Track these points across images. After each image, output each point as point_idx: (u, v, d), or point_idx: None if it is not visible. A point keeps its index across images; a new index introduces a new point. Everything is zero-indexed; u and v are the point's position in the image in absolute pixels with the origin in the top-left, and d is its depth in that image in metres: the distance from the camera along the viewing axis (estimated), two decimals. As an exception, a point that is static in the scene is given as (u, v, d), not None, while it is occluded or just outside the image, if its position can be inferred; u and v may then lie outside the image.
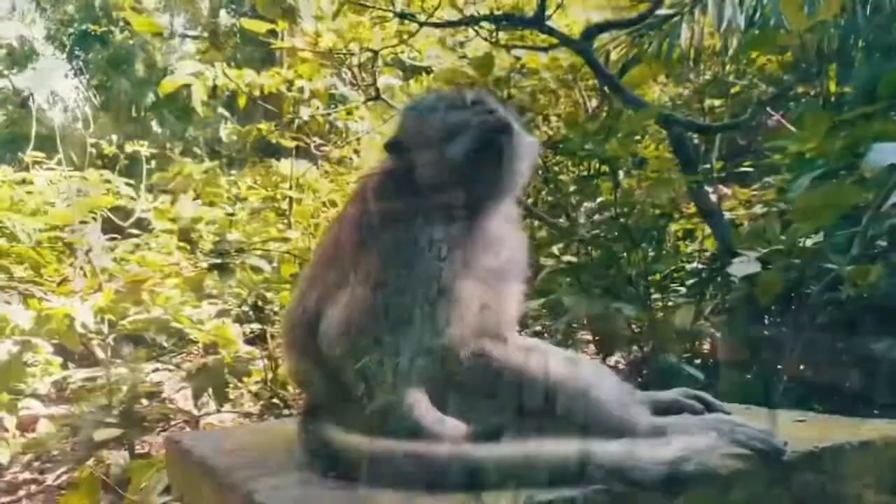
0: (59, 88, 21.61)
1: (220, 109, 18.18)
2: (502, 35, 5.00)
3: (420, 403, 1.71)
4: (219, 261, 4.16)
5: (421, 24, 4.45)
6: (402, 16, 4.40)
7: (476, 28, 4.84)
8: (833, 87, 6.71)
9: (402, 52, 5.60)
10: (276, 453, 1.83)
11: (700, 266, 4.84)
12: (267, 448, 1.90)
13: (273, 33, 6.09)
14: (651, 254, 4.25)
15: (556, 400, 1.64)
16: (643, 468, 1.40)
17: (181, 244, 5.17)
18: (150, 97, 17.95)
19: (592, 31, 4.27)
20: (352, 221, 1.93)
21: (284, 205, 7.70)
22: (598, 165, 3.84)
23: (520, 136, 1.87)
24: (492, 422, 1.73)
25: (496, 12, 4.74)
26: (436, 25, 4.59)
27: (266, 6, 4.24)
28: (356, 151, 9.62)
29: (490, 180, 1.85)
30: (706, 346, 4.95)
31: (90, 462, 3.91)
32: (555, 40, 4.58)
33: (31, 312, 5.18)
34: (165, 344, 4.86)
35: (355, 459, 1.56)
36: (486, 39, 4.89)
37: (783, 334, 4.13)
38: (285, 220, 7.40)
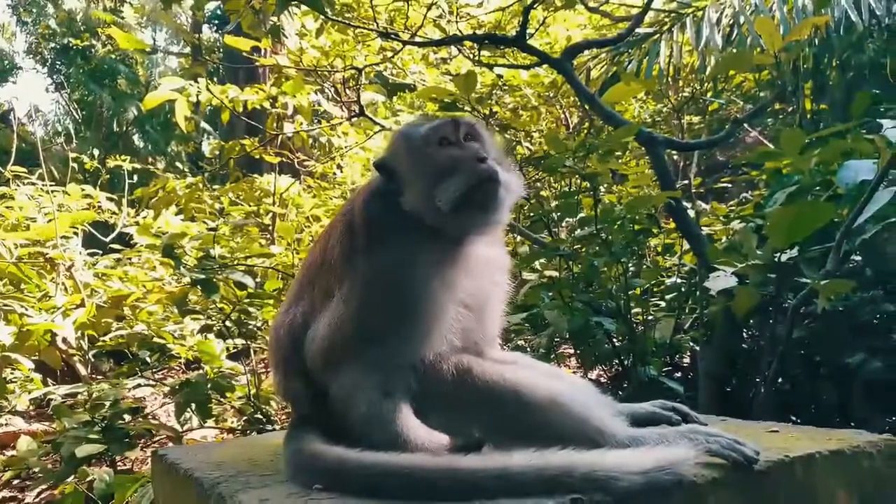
0: (39, 102, 21.49)
1: (203, 124, 18.16)
2: (484, 52, 5.08)
3: (404, 416, 1.74)
4: (203, 276, 4.15)
5: (405, 44, 4.51)
6: (385, 35, 4.46)
7: (458, 47, 4.91)
8: (809, 105, 6.86)
9: (386, 69, 5.66)
10: (262, 466, 1.85)
11: (679, 280, 4.91)
12: (253, 461, 1.92)
13: (256, 50, 6.12)
14: (631, 269, 4.31)
15: (535, 412, 1.68)
16: (621, 478, 1.44)
17: (164, 260, 5.16)
18: (133, 112, 17.89)
19: (573, 49, 4.34)
20: (338, 238, 1.97)
21: (267, 220, 7.72)
22: (579, 182, 3.89)
23: (507, 184, 1.89)
24: (473, 434, 1.78)
25: (478, 32, 4.82)
26: (419, 45, 4.65)
27: (252, 25, 4.27)
28: (339, 167, 9.66)
29: (474, 224, 1.89)
30: (686, 360, 5.02)
31: (72, 479, 3.88)
32: (536, 58, 4.65)
33: (11, 328, 5.15)
34: (148, 360, 4.84)
35: (341, 471, 1.59)
36: (468, 58, 4.96)
37: (761, 348, 4.20)
38: (268, 236, 7.41)
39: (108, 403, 4.08)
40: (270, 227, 7.31)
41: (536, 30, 4.42)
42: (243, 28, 4.31)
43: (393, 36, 4.48)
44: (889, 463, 1.74)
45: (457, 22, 4.96)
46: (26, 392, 5.19)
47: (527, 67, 4.82)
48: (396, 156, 1.96)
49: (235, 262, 4.60)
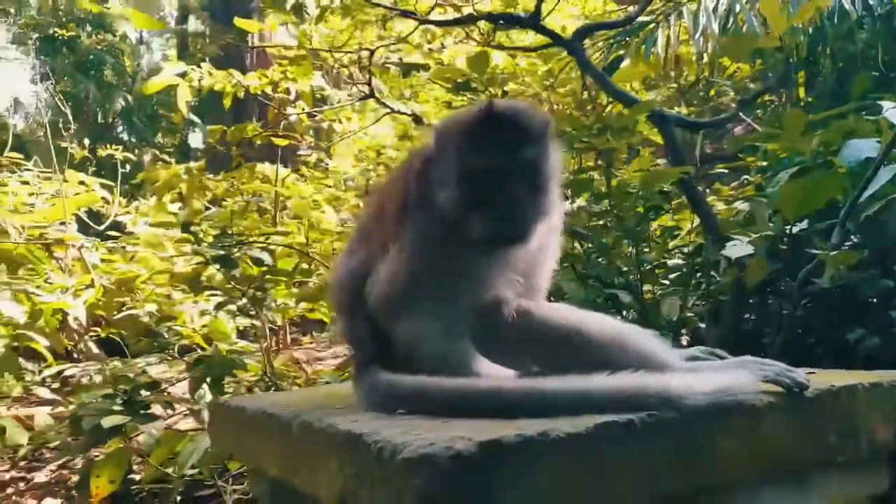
0: (22, 93, 21.27)
1: (191, 115, 18.08)
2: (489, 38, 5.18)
3: (471, 354, 1.85)
4: (222, 252, 4.22)
5: (420, 22, 4.60)
6: (403, 14, 4.55)
7: (466, 28, 5.01)
8: (802, 93, 7.04)
9: (398, 50, 5.75)
10: (334, 403, 1.94)
11: (681, 261, 5.04)
12: (322, 401, 2.01)
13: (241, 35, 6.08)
14: (643, 246, 4.44)
15: (600, 347, 1.79)
16: (688, 397, 1.55)
17: (177, 238, 5.22)
18: (121, 103, 17.78)
19: (584, 31, 4.46)
20: (394, 194, 2.06)
21: (268, 205, 7.79)
22: (595, 158, 4.02)
23: (539, 219, 1.88)
24: (534, 371, 1.89)
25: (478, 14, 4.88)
26: (434, 24, 4.74)
27: (275, 3, 4.33)
28: (329, 155, 9.71)
29: (496, 253, 1.91)
30: (692, 336, 5.15)
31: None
32: (545, 40, 4.77)
33: (24, 307, 5.19)
34: (166, 335, 4.90)
35: (424, 396, 1.69)
36: (478, 42, 5.06)
37: (765, 322, 4.35)
38: (270, 220, 7.47)
39: (130, 376, 4.14)
40: (273, 212, 7.37)
41: (550, 12, 4.51)
42: (266, 7, 4.36)
43: (409, 15, 4.57)
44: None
45: (462, 5, 5.03)
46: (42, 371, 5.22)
47: (536, 49, 4.93)
48: (446, 146, 1.93)
49: (251, 240, 4.67)
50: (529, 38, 7.23)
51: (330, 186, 9.00)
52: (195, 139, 21.08)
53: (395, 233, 1.96)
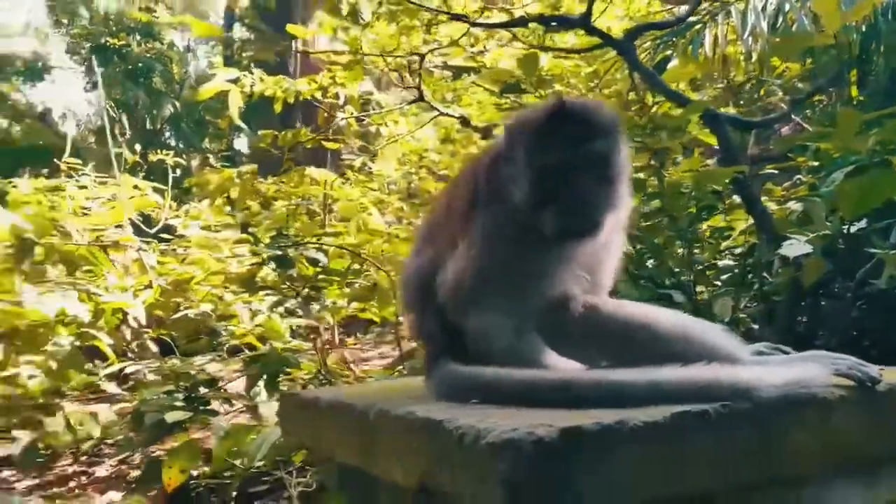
0: (75, 101, 21.95)
1: (237, 121, 18.41)
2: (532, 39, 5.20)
3: (540, 348, 1.89)
4: (280, 253, 4.34)
5: (472, 25, 4.66)
6: (455, 17, 4.61)
7: (512, 31, 5.04)
8: (855, 93, 6.92)
9: (446, 55, 5.82)
10: (404, 394, 2.00)
11: (734, 258, 5.00)
12: (392, 393, 2.08)
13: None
14: (695, 246, 4.42)
15: (667, 341, 1.82)
16: (761, 389, 1.57)
17: (244, 236, 5.37)
18: (169, 109, 18.22)
19: (635, 31, 4.47)
20: (462, 192, 2.11)
21: (316, 207, 7.91)
22: (647, 158, 4.03)
23: (608, 212, 1.91)
24: (602, 366, 1.92)
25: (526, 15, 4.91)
26: (487, 27, 4.80)
27: (331, 7, 4.43)
28: (373, 159, 9.83)
29: (567, 245, 1.95)
30: (744, 337, 5.10)
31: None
32: (592, 41, 4.79)
33: (87, 306, 5.38)
34: (224, 333, 5.04)
35: (499, 387, 1.74)
36: (524, 44, 5.10)
37: (819, 324, 4.29)
38: (320, 222, 7.59)
39: (192, 373, 4.27)
40: (322, 215, 7.49)
41: (602, 12, 4.54)
42: (324, 10, 4.47)
43: (462, 19, 4.64)
44: None
45: (511, 8, 5.08)
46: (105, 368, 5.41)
47: (586, 51, 4.95)
48: (517, 142, 1.97)
49: (306, 241, 4.78)
50: (571, 39, 7.25)
51: (374, 190, 9.11)
52: (240, 144, 21.48)
53: (465, 230, 2.01)
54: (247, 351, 5.08)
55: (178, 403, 4.15)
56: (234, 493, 4.54)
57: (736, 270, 4.89)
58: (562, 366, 1.86)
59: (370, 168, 9.91)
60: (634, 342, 1.84)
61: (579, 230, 1.90)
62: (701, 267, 4.71)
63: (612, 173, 1.92)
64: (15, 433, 4.85)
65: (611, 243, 2.11)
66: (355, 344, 9.77)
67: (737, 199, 4.74)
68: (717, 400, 1.55)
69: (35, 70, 22.37)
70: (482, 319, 1.92)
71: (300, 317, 5.26)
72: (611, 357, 1.89)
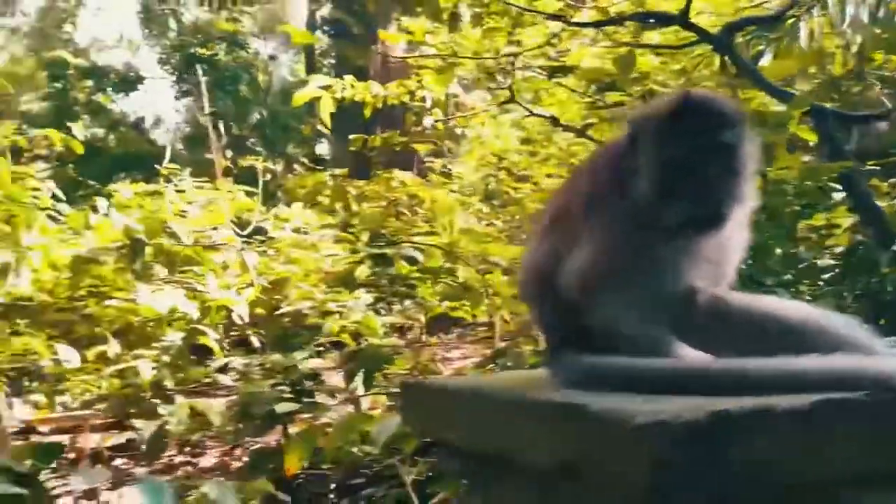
0: (165, 110, 22.99)
1: (319, 126, 18.92)
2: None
3: (670, 340, 1.92)
4: (379, 251, 4.48)
5: (568, 24, 4.70)
6: (552, 17, 4.65)
7: (604, 30, 5.05)
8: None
9: (541, 54, 5.86)
10: (530, 384, 2.06)
11: (835, 257, 4.87)
12: (515, 382, 2.15)
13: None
14: (798, 244, 4.34)
15: (799, 333, 1.82)
16: (899, 378, 1.57)
17: (344, 235, 5.57)
18: (256, 116, 18.87)
19: (733, 26, 4.42)
20: (583, 185, 2.16)
21: (404, 209, 8.09)
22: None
23: (735, 205, 1.90)
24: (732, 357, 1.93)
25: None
26: (582, 25, 4.83)
27: (434, 11, 4.55)
28: (453, 162, 9.96)
29: (691, 238, 1.95)
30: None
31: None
32: (690, 37, 4.75)
33: (195, 304, 5.68)
34: (323, 330, 5.24)
35: (633, 376, 1.79)
36: (614, 42, 5.09)
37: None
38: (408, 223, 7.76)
39: (299, 367, 4.46)
40: (410, 215, 7.65)
41: (698, 12, 4.50)
42: (425, 15, 4.60)
43: (558, 18, 4.68)
44: None
45: (606, 6, 5.08)
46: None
47: (682, 47, 4.92)
48: (643, 135, 1.98)
49: (403, 240, 4.91)
50: (656, 37, 7.17)
51: (454, 191, 9.23)
52: (321, 148, 22.00)
53: (587, 223, 2.05)
54: (336, 347, 5.25)
55: (287, 395, 4.33)
56: (333, 486, 4.71)
57: (838, 269, 4.77)
58: (692, 356, 1.88)
59: (450, 170, 10.06)
60: (764, 334, 1.85)
61: (707, 220, 1.91)
62: (803, 266, 4.61)
63: (739, 165, 1.93)
64: (136, 422, 5.16)
65: (735, 237, 2.12)
66: (438, 343, 9.91)
67: (837, 196, 4.63)
68: (860, 390, 1.55)
69: (128, 80, 23.55)
70: (609, 310, 1.96)
71: (398, 313, 5.41)
72: (739, 348, 1.89)
